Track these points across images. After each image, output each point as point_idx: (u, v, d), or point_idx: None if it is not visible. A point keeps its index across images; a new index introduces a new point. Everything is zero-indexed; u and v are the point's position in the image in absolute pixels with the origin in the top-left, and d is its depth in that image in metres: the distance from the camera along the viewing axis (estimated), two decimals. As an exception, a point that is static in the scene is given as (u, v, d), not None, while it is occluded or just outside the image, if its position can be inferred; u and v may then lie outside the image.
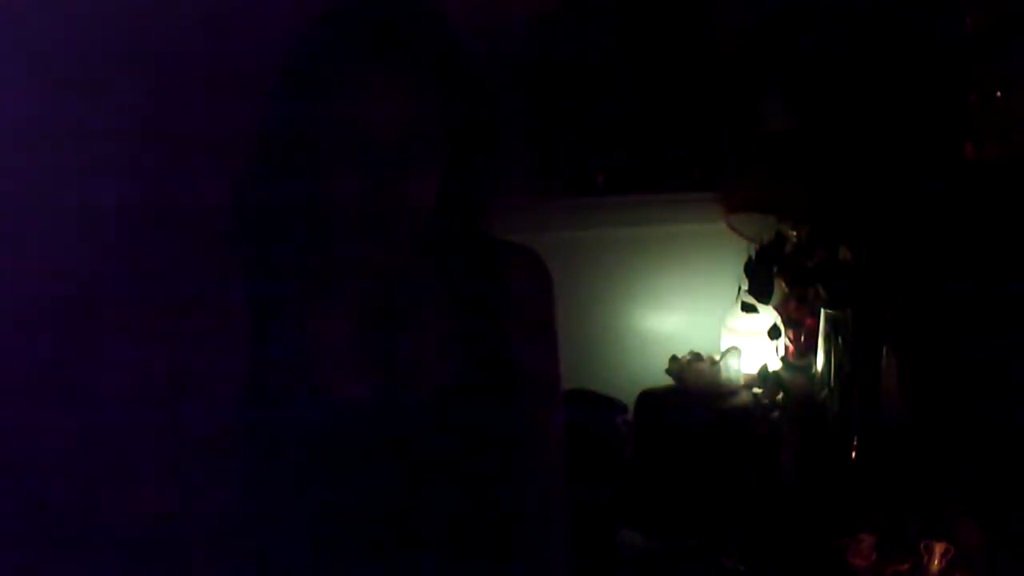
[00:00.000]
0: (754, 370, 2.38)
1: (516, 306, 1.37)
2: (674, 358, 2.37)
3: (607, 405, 2.27)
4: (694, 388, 2.33)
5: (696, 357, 2.37)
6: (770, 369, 2.37)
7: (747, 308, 2.39)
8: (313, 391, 1.31)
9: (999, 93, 2.06)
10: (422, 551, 1.33)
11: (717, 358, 2.36)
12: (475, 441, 1.34)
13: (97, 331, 1.88)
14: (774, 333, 2.39)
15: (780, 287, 2.41)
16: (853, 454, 2.16)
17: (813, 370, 2.29)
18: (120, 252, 1.90)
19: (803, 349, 2.39)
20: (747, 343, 2.40)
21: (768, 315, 2.41)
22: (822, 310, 2.25)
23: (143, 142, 1.90)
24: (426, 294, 1.35)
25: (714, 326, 2.49)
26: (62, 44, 1.83)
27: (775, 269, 2.37)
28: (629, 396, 2.33)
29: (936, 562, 1.91)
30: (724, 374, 2.34)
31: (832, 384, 2.22)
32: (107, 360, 1.88)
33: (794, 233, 2.38)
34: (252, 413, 1.31)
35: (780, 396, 2.30)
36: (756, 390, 2.34)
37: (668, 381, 2.37)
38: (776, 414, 2.27)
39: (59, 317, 1.86)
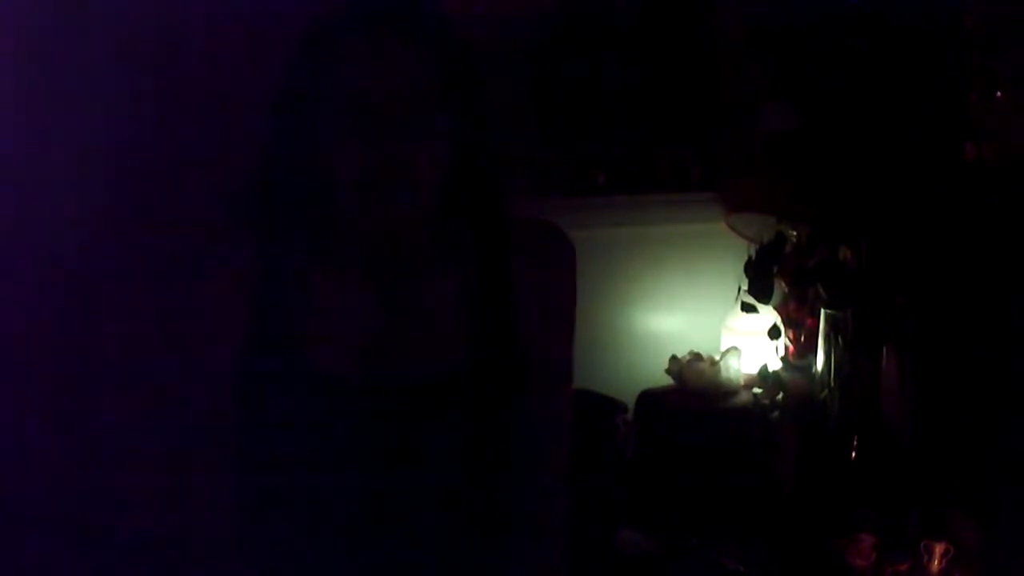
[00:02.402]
0: (754, 370, 2.38)
1: (532, 283, 1.35)
2: (674, 358, 2.37)
3: (607, 405, 2.27)
4: (694, 388, 2.33)
5: (696, 357, 2.37)
6: (770, 369, 2.37)
7: (747, 308, 2.39)
8: (314, 368, 1.30)
9: (999, 93, 2.06)
10: (418, 536, 1.33)
11: (717, 358, 2.36)
12: (478, 423, 1.33)
13: (97, 306, 1.89)
14: (774, 333, 2.38)
15: (780, 287, 2.41)
16: (853, 454, 2.16)
17: (813, 370, 2.29)
18: (120, 229, 1.91)
19: (803, 349, 2.39)
20: (747, 343, 2.40)
21: (768, 315, 2.41)
22: (822, 310, 2.24)
23: (144, 117, 1.91)
24: (437, 271, 1.35)
25: (714, 326, 2.49)
26: (62, 30, 1.84)
27: (775, 269, 2.37)
28: (629, 396, 2.33)
29: (936, 562, 1.91)
30: (724, 374, 2.34)
31: (832, 384, 2.22)
32: (105, 337, 1.89)
33: (794, 233, 2.38)
34: (251, 389, 1.31)
35: (780, 396, 2.30)
36: (756, 390, 2.34)
37: (668, 381, 2.37)
38: (776, 414, 2.27)
39: (58, 293, 1.87)
